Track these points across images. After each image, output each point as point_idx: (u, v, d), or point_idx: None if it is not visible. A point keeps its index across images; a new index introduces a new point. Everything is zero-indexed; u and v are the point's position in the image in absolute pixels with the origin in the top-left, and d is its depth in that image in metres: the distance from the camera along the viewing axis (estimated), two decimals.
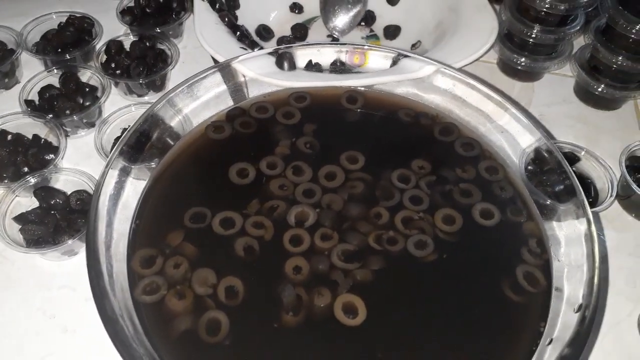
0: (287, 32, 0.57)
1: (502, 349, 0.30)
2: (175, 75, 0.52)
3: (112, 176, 0.32)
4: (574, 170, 0.44)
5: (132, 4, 0.56)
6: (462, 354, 0.30)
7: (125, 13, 0.55)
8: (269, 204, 0.34)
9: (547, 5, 0.49)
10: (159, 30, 0.53)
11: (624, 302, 0.39)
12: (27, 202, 0.41)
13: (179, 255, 0.32)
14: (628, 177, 0.43)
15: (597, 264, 0.29)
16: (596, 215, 0.43)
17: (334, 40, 0.57)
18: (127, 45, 0.52)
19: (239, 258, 0.32)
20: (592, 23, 0.50)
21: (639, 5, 0.45)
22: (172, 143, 0.38)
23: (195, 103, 0.39)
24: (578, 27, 0.51)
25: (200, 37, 0.46)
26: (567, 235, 0.33)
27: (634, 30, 0.46)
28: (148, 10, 0.56)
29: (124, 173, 0.34)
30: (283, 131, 0.40)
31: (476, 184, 0.37)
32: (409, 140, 0.41)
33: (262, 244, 0.32)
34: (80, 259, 0.40)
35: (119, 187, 0.33)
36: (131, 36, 0.53)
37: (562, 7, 0.49)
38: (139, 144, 0.35)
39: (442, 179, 0.37)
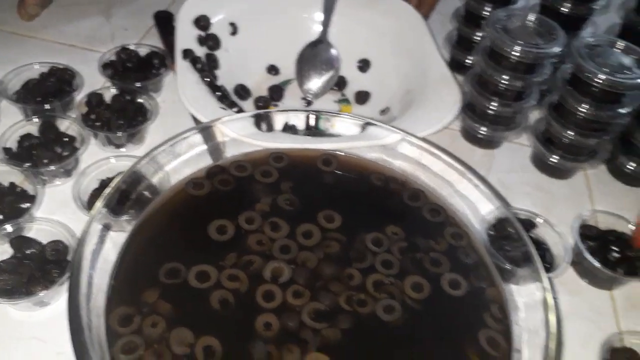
0: (264, 92, 0.60)
1: None
2: (153, 129, 0.54)
3: (95, 230, 0.33)
4: (531, 237, 0.48)
5: (114, 58, 0.58)
6: None
7: (106, 67, 0.57)
8: (245, 258, 0.35)
9: (505, 81, 0.53)
10: (139, 85, 0.55)
11: None
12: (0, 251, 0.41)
13: (156, 314, 0.33)
14: (581, 245, 0.46)
15: (553, 330, 0.31)
16: (552, 279, 0.46)
17: (307, 102, 0.60)
18: (107, 98, 0.53)
19: (215, 311, 0.33)
20: (545, 98, 0.55)
21: (587, 85, 0.50)
22: (151, 198, 0.39)
23: (176, 161, 0.40)
24: (533, 102, 0.55)
25: (184, 97, 0.48)
26: (525, 301, 0.35)
27: (581, 109, 0.50)
28: (129, 65, 0.57)
29: (105, 227, 0.34)
30: (262, 189, 0.41)
31: (446, 254, 0.39)
32: (381, 204, 0.43)
33: (236, 297, 0.33)
34: (51, 310, 0.40)
35: (100, 241, 0.34)
36: (112, 89, 0.54)
37: (518, 84, 0.53)
38: (121, 198, 0.36)
39: (414, 246, 0.39)
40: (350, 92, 0.62)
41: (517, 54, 0.51)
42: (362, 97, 0.61)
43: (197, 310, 0.33)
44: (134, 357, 0.31)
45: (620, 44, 0.52)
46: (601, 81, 0.49)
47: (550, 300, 0.32)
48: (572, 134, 0.53)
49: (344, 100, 0.62)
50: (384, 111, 0.59)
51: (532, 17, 0.54)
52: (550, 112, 0.54)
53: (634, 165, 0.55)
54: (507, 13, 0.55)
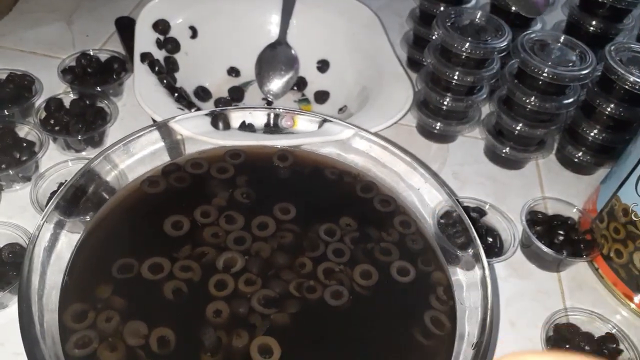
0: (225, 94, 0.61)
1: None
2: (114, 132, 0.55)
3: (47, 229, 0.34)
4: (481, 224, 0.50)
5: (73, 64, 0.59)
6: None
7: (66, 72, 0.57)
8: (199, 250, 0.36)
9: (456, 77, 0.55)
10: (99, 89, 0.56)
11: (526, 342, 0.44)
12: None
13: (110, 309, 0.33)
14: (528, 230, 0.48)
15: (489, 306, 0.33)
16: (503, 263, 0.48)
17: (268, 103, 0.62)
18: (66, 103, 0.54)
19: (168, 302, 0.34)
20: (495, 93, 0.57)
21: (533, 79, 0.52)
22: (107, 197, 0.40)
23: (131, 159, 0.41)
24: (484, 96, 0.57)
25: (140, 98, 0.49)
26: (467, 281, 0.37)
27: (528, 101, 0.53)
28: (89, 70, 0.58)
29: (59, 226, 0.35)
30: (218, 185, 0.42)
31: (395, 243, 0.40)
32: (335, 196, 0.45)
33: (189, 287, 0.34)
34: (9, 312, 0.40)
35: (54, 239, 0.34)
36: (71, 94, 0.55)
37: (469, 79, 0.55)
38: (75, 198, 0.37)
39: (366, 236, 0.41)
40: (309, 92, 0.64)
41: (466, 51, 0.53)
42: (322, 96, 0.63)
43: (151, 302, 0.34)
44: (88, 352, 0.32)
45: (564, 39, 0.55)
46: (545, 74, 0.51)
47: (488, 279, 0.34)
48: (521, 125, 0.55)
49: (304, 100, 0.64)
50: (342, 109, 0.61)
51: (480, 15, 0.56)
52: (499, 106, 0.56)
53: (581, 154, 0.57)
54: (457, 11, 0.57)
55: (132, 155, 0.41)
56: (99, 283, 0.34)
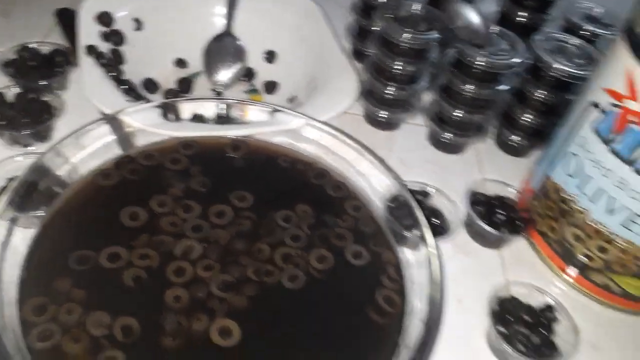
0: (173, 85, 0.61)
1: None
2: (61, 126, 0.53)
3: (2, 225, 0.34)
4: (427, 205, 0.52)
5: (13, 57, 0.57)
6: None
7: (8, 65, 0.55)
8: (157, 239, 0.37)
9: (398, 67, 0.57)
10: (44, 83, 0.55)
11: (470, 317, 0.47)
12: None
13: (71, 302, 0.34)
14: (470, 210, 0.51)
15: (437, 282, 0.35)
16: (448, 243, 0.51)
17: (217, 93, 0.62)
18: (10, 97, 0.52)
19: (128, 290, 0.34)
20: (435, 81, 0.60)
21: (469, 67, 0.55)
22: (60, 192, 0.40)
23: (82, 153, 0.41)
24: (425, 85, 0.60)
25: (87, 91, 0.49)
26: (415, 260, 0.39)
27: (466, 89, 0.56)
28: (32, 64, 0.57)
29: (12, 222, 0.35)
30: (173, 176, 0.43)
31: (349, 229, 0.42)
32: (289, 184, 0.46)
33: (149, 274, 0.35)
34: None
35: (8, 235, 0.34)
36: (14, 88, 0.53)
37: (410, 69, 0.58)
38: (27, 193, 0.37)
39: (321, 222, 0.42)
40: (259, 82, 0.65)
41: (407, 41, 0.56)
42: (271, 86, 0.64)
43: (111, 291, 0.35)
44: (52, 344, 0.32)
45: (496, 29, 0.58)
46: (481, 63, 0.54)
47: (434, 257, 0.37)
48: (460, 112, 0.58)
49: (253, 91, 0.65)
50: (291, 99, 0.62)
51: (418, 6, 0.59)
52: (440, 94, 0.59)
53: (517, 138, 0.61)
54: (396, 3, 0.59)
55: (83, 149, 0.41)
56: (57, 276, 0.35)
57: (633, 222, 0.44)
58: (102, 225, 0.39)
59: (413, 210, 0.40)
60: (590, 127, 0.46)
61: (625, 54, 0.42)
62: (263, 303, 0.36)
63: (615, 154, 0.44)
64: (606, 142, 0.44)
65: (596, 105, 0.45)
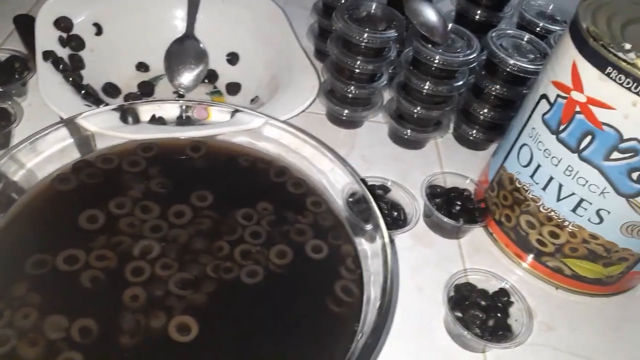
0: (134, 89, 0.61)
1: (326, 350, 0.36)
2: (20, 133, 0.53)
3: None
4: (387, 199, 0.54)
5: None
6: (292, 357, 0.35)
7: None
8: (115, 240, 0.38)
9: (357, 66, 0.59)
10: (1, 90, 0.54)
11: (430, 305, 0.48)
12: None
13: (27, 306, 0.34)
14: (427, 201, 0.53)
15: (388, 269, 0.36)
16: (409, 234, 0.52)
17: (180, 96, 0.62)
18: None
19: (86, 291, 0.34)
20: (394, 79, 0.62)
21: (426, 65, 0.57)
22: (16, 197, 0.40)
23: (39, 158, 0.41)
24: (384, 83, 0.62)
25: (45, 96, 0.49)
26: (372, 250, 0.40)
27: (423, 86, 0.57)
28: None
29: None
30: (132, 178, 0.43)
31: (310, 225, 0.43)
32: (250, 182, 0.47)
33: (107, 275, 0.35)
34: None
35: None
36: None
37: (370, 67, 0.59)
38: None
39: (282, 219, 0.43)
40: (221, 84, 0.65)
41: (365, 41, 0.57)
42: (233, 88, 0.65)
43: (69, 294, 0.35)
44: (7, 349, 0.32)
45: (452, 27, 0.60)
46: (437, 61, 0.56)
47: (387, 247, 0.38)
48: (419, 109, 0.59)
49: (216, 92, 0.65)
50: (253, 100, 0.63)
51: (375, 6, 0.60)
52: (398, 91, 0.61)
53: (474, 132, 0.63)
54: (354, 4, 0.60)
55: (39, 154, 0.41)
56: (14, 281, 0.35)
57: (581, 207, 0.46)
58: (59, 229, 0.39)
59: (368, 202, 0.41)
60: (540, 118, 0.48)
61: (571, 47, 0.44)
62: (221, 299, 0.36)
63: (563, 143, 0.46)
64: (555, 132, 0.46)
65: (545, 97, 0.47)
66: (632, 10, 0.47)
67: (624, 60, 0.40)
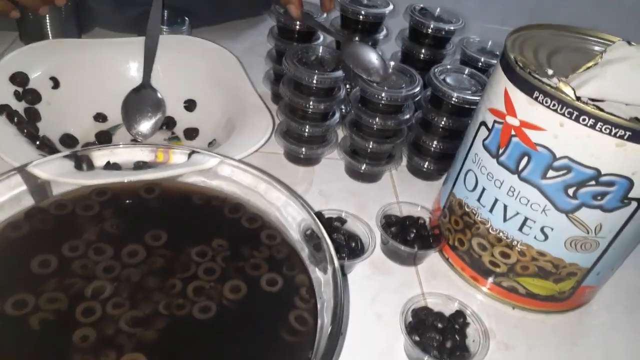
0: (92, 139, 0.62)
1: None
2: None
3: None
4: (344, 231, 0.55)
5: None
6: None
7: None
8: (66, 282, 0.37)
9: (310, 106, 0.61)
10: None
11: (390, 331, 0.49)
12: None
13: None
14: (381, 230, 0.54)
15: (339, 294, 0.37)
16: (367, 263, 0.53)
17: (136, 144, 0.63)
18: None
19: (35, 335, 0.34)
20: (346, 117, 0.64)
21: (373, 103, 0.60)
22: None
23: None
24: (337, 120, 0.64)
25: None
26: (325, 279, 0.41)
27: (373, 122, 0.60)
28: None
29: None
30: (85, 222, 0.44)
31: (265, 259, 0.44)
32: (205, 220, 0.48)
33: (56, 317, 0.35)
34: None
35: None
36: None
37: (322, 107, 0.61)
38: None
39: (237, 255, 0.44)
40: (179, 129, 0.67)
41: (315, 82, 0.60)
42: (191, 133, 0.66)
43: (18, 339, 0.34)
44: None
45: (396, 66, 0.63)
46: (383, 97, 0.59)
47: (337, 274, 0.39)
48: (371, 143, 0.62)
49: (174, 138, 0.66)
50: (211, 143, 0.64)
51: (322, 50, 0.64)
52: (350, 128, 0.63)
53: (426, 163, 0.66)
54: (303, 48, 0.64)
55: None
56: None
57: (526, 225, 0.48)
58: (8, 277, 0.39)
59: (316, 231, 0.42)
60: (481, 144, 0.50)
61: (502, 76, 0.47)
62: (173, 335, 0.36)
63: (503, 165, 0.48)
64: (495, 156, 0.49)
65: (484, 124, 0.50)
66: (555, 41, 0.51)
67: (548, 85, 0.43)
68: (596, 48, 0.51)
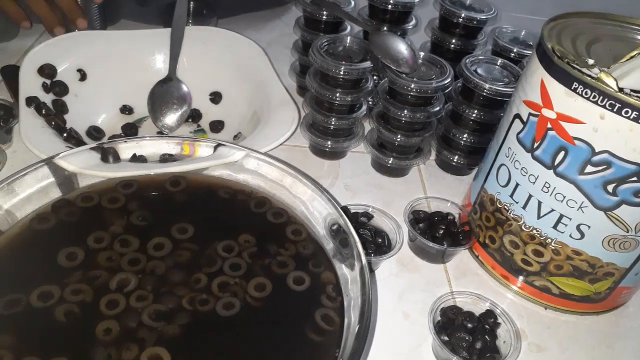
0: (118, 131, 0.62)
1: None
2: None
3: None
4: (370, 227, 0.54)
5: None
6: None
7: None
8: (91, 274, 0.37)
9: (336, 98, 0.60)
10: None
11: (418, 331, 0.47)
12: None
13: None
14: (410, 226, 0.53)
15: (366, 291, 0.36)
16: (394, 260, 0.52)
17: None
18: None
19: (60, 327, 0.34)
20: (373, 110, 0.63)
21: (402, 94, 0.58)
22: None
23: (16, 199, 0.41)
24: (364, 113, 0.63)
25: (26, 139, 0.49)
26: (352, 276, 0.40)
27: (402, 115, 0.58)
28: None
29: None
30: (111, 215, 0.43)
31: (291, 256, 0.43)
32: (231, 214, 0.47)
33: (81, 309, 0.35)
34: None
35: None
36: None
37: (348, 98, 0.60)
38: None
39: (264, 251, 0.43)
40: (205, 122, 0.67)
41: (342, 73, 0.58)
42: (217, 126, 0.66)
43: (43, 331, 0.34)
44: None
45: (426, 57, 0.61)
46: (412, 89, 0.57)
47: (365, 271, 0.37)
48: (399, 136, 0.60)
49: (200, 130, 0.66)
50: (236, 136, 0.64)
51: (350, 40, 0.62)
52: (378, 121, 0.62)
53: (456, 157, 0.64)
54: (330, 39, 0.62)
55: (17, 195, 0.41)
56: None
57: (561, 223, 0.46)
58: (36, 269, 0.39)
59: (343, 226, 0.41)
60: (515, 137, 0.48)
61: (538, 67, 0.45)
62: (195, 331, 0.36)
63: (538, 160, 0.46)
64: (529, 150, 0.47)
65: (519, 117, 0.48)
66: (595, 30, 0.48)
67: (589, 75, 0.41)
68: (638, 37, 0.48)
